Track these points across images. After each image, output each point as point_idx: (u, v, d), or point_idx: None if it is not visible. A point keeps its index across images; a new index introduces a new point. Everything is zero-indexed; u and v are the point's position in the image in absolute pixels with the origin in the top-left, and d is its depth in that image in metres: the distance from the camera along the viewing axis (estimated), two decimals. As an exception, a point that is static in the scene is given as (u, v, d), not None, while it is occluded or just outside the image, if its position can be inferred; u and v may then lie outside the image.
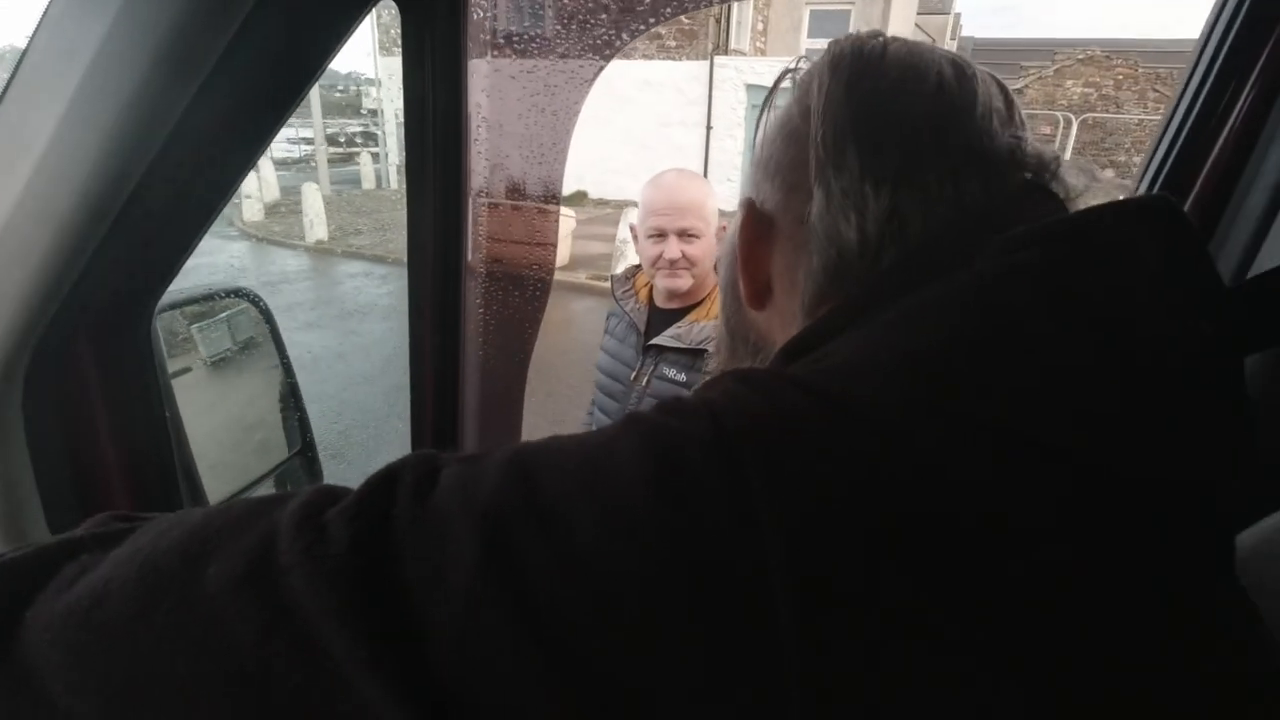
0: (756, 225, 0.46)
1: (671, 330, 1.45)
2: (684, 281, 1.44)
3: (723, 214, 1.39)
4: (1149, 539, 0.27)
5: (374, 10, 0.59)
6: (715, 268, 1.52)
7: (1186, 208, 0.69)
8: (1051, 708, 0.23)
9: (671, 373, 1.44)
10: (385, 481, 0.28)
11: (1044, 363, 0.28)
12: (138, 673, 0.26)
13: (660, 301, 1.51)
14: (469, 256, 0.80)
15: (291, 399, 0.99)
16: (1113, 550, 0.26)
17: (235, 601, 0.25)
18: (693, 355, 1.42)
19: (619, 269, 1.69)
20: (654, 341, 1.46)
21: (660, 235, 1.42)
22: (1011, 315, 0.30)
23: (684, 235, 1.41)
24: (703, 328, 1.43)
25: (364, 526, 0.26)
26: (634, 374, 1.49)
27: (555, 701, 0.23)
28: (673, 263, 1.41)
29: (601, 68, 0.66)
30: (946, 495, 0.24)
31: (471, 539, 0.25)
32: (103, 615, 0.26)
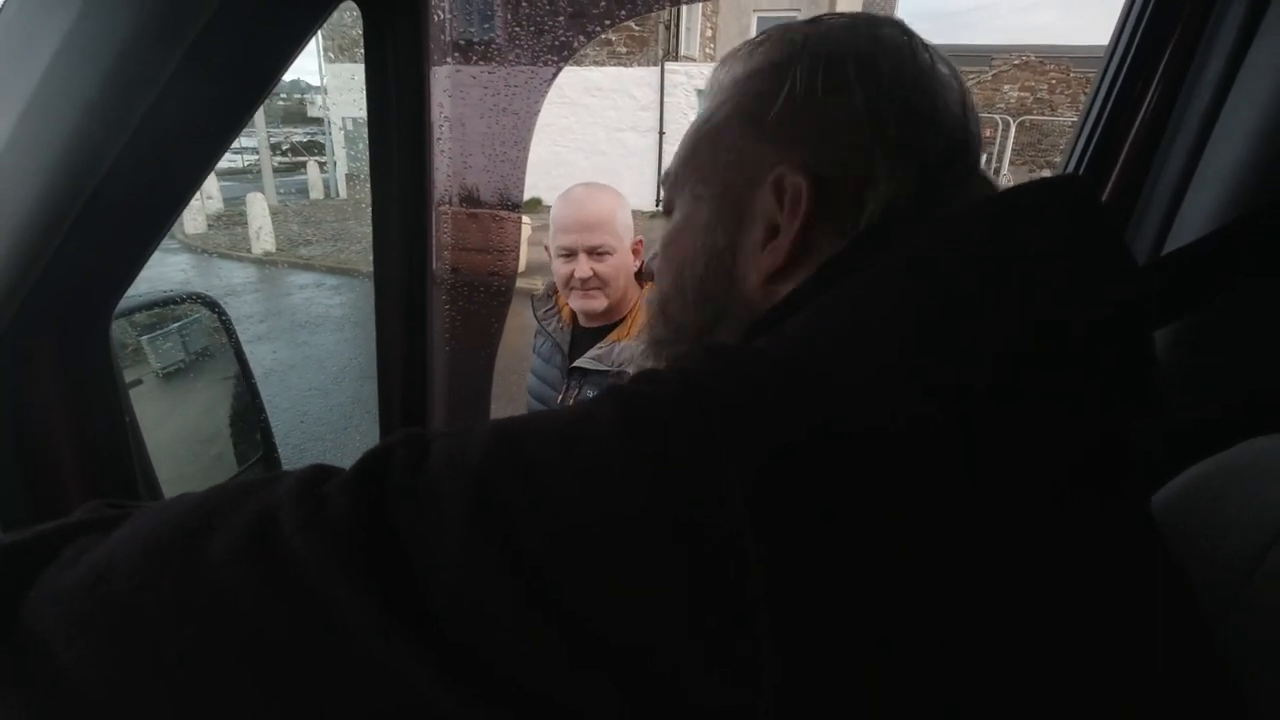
0: (816, 194, 0.41)
1: (593, 352, 1.34)
2: (598, 303, 1.33)
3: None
4: (1070, 483, 0.31)
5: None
6: (651, 277, 1.35)
7: (1106, 192, 0.75)
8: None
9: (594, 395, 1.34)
10: (380, 454, 0.30)
11: (971, 319, 0.31)
12: (147, 642, 0.27)
13: (582, 321, 1.40)
14: (433, 259, 0.80)
15: (253, 404, 0.98)
16: (1030, 488, 0.29)
17: (240, 570, 0.27)
18: (616, 378, 1.30)
19: (541, 286, 1.49)
20: (576, 364, 1.35)
21: (570, 254, 1.32)
22: (943, 282, 0.33)
23: (594, 253, 1.30)
24: (624, 348, 1.30)
25: (362, 494, 0.28)
26: (559, 397, 1.38)
27: (537, 637, 0.25)
28: (584, 282, 1.31)
29: (560, 68, 0.68)
30: (878, 428, 0.28)
31: (462, 497, 0.27)
32: (108, 589, 0.27)
